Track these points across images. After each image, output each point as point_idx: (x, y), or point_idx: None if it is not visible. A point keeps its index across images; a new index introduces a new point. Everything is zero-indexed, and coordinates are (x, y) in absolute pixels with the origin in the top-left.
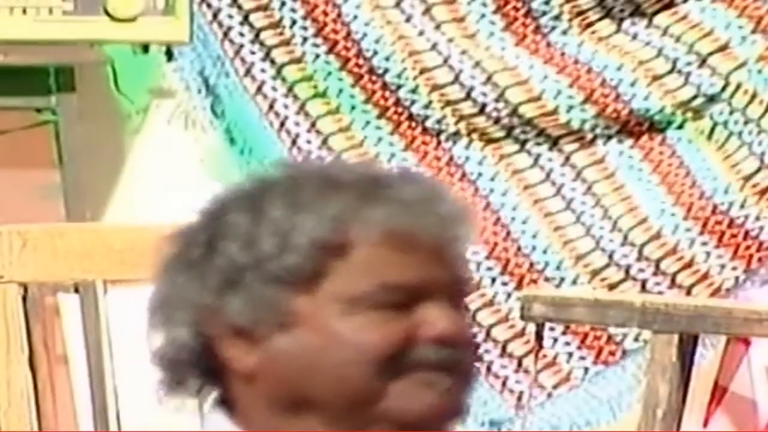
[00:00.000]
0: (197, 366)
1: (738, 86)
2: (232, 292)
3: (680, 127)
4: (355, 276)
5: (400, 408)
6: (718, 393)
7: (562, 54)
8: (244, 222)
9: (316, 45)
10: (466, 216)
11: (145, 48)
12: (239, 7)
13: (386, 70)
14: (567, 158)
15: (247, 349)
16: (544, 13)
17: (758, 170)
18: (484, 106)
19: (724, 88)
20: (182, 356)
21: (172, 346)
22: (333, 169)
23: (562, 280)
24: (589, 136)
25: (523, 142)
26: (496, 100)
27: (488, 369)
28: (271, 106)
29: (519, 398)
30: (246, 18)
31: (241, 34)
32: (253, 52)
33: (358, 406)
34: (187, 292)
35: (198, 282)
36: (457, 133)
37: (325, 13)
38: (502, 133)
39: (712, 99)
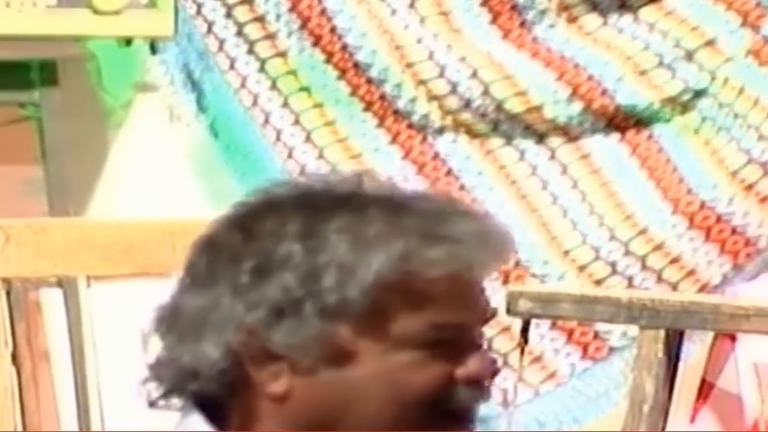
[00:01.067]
0: (214, 381)
1: (726, 81)
2: (281, 320)
3: (668, 122)
4: (411, 314)
5: None
6: (705, 389)
7: (549, 49)
8: (302, 252)
9: (300, 39)
10: (509, 249)
11: (128, 40)
12: (223, 1)
13: (371, 65)
14: (553, 153)
15: (284, 374)
16: (531, 8)
17: (746, 165)
18: (470, 101)
19: (711, 83)
20: (203, 370)
21: (194, 359)
22: (389, 198)
23: (549, 276)
24: (576, 131)
25: (510, 138)
26: (482, 95)
27: None
28: (255, 101)
29: (505, 395)
30: (229, 12)
31: (225, 29)
32: (236, 47)
33: None
34: (227, 313)
35: (243, 306)
36: (443, 128)
37: (310, 7)
38: (488, 128)
39: (699, 94)
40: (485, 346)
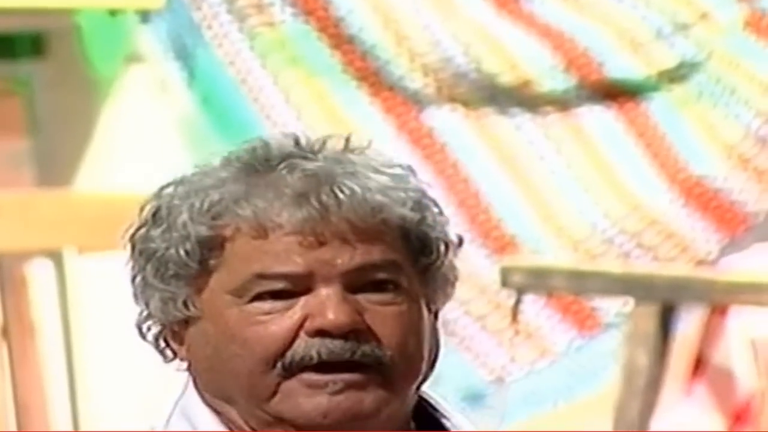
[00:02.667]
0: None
1: (722, 54)
2: (149, 292)
3: (663, 96)
4: (234, 268)
5: (289, 411)
6: (700, 364)
7: (544, 21)
8: (151, 217)
9: (292, 11)
10: (381, 198)
11: (113, 11)
12: None
13: (365, 37)
14: (548, 127)
15: (178, 342)
16: None
17: (743, 139)
18: (464, 74)
19: (708, 57)
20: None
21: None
22: (235, 158)
23: (543, 251)
24: (571, 104)
25: (505, 112)
26: (477, 69)
27: (467, 342)
28: (245, 72)
29: (498, 372)
30: None
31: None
32: (226, 17)
33: (254, 402)
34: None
35: (131, 274)
36: (437, 102)
37: None
38: (482, 102)
39: (695, 67)
40: (389, 300)
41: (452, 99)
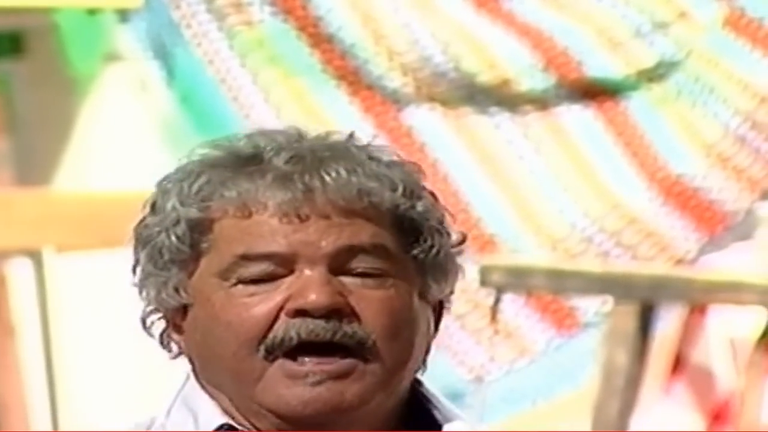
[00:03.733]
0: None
1: (701, 53)
2: (146, 281)
3: (642, 95)
4: (220, 250)
5: (272, 402)
6: (679, 363)
7: (523, 20)
8: (150, 207)
9: (271, 10)
10: (361, 182)
11: (92, 9)
12: None
13: (344, 36)
14: (527, 127)
15: (178, 333)
16: None
17: (722, 138)
18: (443, 73)
19: (687, 56)
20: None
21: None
22: (230, 146)
23: (523, 250)
24: (550, 103)
25: (483, 110)
26: (455, 68)
27: (446, 341)
28: (224, 71)
29: (477, 371)
30: None
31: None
32: (205, 17)
33: (241, 389)
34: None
35: (134, 272)
36: (416, 101)
37: None
38: (461, 101)
39: (674, 66)
40: (374, 284)
41: (431, 98)
